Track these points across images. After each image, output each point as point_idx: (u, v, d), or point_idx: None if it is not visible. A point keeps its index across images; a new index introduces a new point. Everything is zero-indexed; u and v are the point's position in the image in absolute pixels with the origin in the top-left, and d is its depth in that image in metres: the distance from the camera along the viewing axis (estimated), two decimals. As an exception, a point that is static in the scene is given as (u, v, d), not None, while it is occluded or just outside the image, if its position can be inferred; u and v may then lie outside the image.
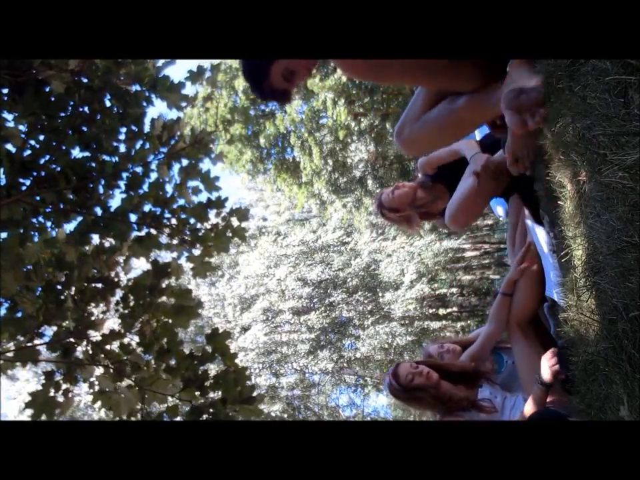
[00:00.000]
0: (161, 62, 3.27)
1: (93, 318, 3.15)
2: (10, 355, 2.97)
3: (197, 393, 3.09)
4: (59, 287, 3.07)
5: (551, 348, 1.89)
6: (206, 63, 3.40)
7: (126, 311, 3.16)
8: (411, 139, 1.73)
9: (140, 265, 3.69)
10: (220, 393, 3.14)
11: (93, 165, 3.22)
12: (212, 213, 3.45)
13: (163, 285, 3.27)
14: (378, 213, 2.50)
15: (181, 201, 3.42)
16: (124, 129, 3.25)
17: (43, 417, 2.97)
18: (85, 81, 3.07)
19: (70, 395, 3.07)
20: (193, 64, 3.42)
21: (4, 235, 3.00)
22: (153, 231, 3.33)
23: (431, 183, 2.34)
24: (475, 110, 1.54)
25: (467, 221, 2.19)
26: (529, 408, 1.78)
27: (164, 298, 3.25)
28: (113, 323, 3.45)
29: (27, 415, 3.09)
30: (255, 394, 3.14)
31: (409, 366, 2.04)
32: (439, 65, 1.48)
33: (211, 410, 3.06)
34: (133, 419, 3.09)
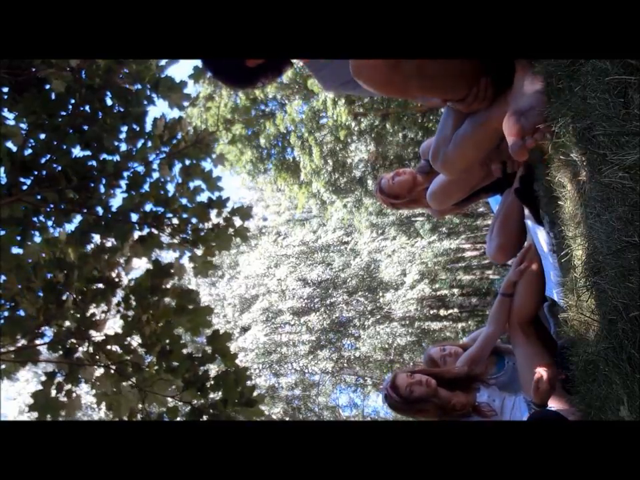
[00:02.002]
0: (163, 61, 3.27)
1: (94, 318, 3.14)
2: (11, 355, 2.97)
3: (198, 394, 3.08)
4: (60, 287, 3.06)
5: (548, 350, 1.90)
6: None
7: (127, 312, 3.16)
8: (447, 159, 1.77)
9: (141, 266, 3.68)
10: (220, 393, 3.13)
11: (94, 164, 3.22)
12: (213, 213, 3.45)
13: (167, 286, 3.26)
14: (378, 198, 2.53)
15: (183, 201, 3.42)
16: (125, 128, 3.26)
17: (48, 418, 2.97)
18: (86, 79, 3.07)
19: (74, 395, 3.07)
20: (196, 63, 3.41)
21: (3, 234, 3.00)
22: (155, 231, 3.33)
23: (429, 168, 2.34)
24: (500, 120, 1.55)
25: (444, 201, 2.17)
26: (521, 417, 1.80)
27: (167, 299, 3.24)
28: (113, 323, 3.44)
29: (27, 416, 3.08)
30: (255, 394, 3.13)
31: (405, 376, 2.01)
32: (448, 74, 1.49)
33: (212, 411, 3.05)
34: (133, 419, 3.08)
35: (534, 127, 1.34)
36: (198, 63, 3.34)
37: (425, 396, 1.97)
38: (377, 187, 2.48)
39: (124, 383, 3.04)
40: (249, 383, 3.18)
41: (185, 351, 3.19)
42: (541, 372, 1.71)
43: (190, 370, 3.07)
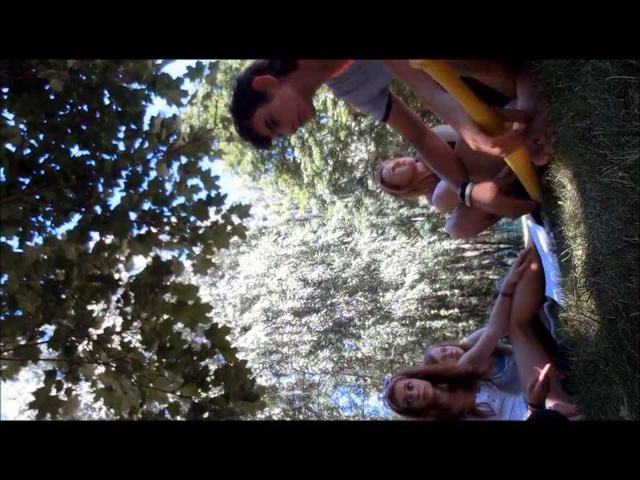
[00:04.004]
0: (160, 59, 3.27)
1: (93, 316, 3.13)
2: (10, 353, 2.97)
3: (199, 390, 3.08)
4: (60, 286, 3.06)
5: (548, 350, 1.90)
6: (204, 61, 3.39)
7: (126, 309, 3.15)
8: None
9: (141, 264, 3.68)
10: (221, 389, 3.12)
11: (92, 163, 3.22)
12: (212, 211, 3.45)
13: (167, 283, 3.24)
14: (379, 187, 2.58)
15: (181, 199, 3.41)
16: (123, 127, 3.24)
17: (48, 417, 2.96)
18: (84, 78, 3.06)
19: (73, 394, 3.06)
20: (191, 61, 3.41)
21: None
22: (153, 229, 3.33)
23: None
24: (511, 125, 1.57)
25: (450, 204, 2.21)
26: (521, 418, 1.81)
27: (166, 296, 3.23)
28: (113, 320, 3.43)
29: (27, 415, 3.08)
30: (255, 387, 3.12)
31: (402, 387, 2.02)
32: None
33: (213, 407, 3.04)
34: (133, 417, 3.08)
35: (541, 130, 1.35)
36: (192, 62, 3.35)
37: (423, 408, 1.99)
38: (377, 176, 2.50)
39: (124, 378, 3.03)
40: (249, 376, 3.16)
41: (184, 346, 3.17)
42: (538, 373, 1.72)
43: (189, 364, 3.06)
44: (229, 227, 3.41)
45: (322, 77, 1.57)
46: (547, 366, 1.71)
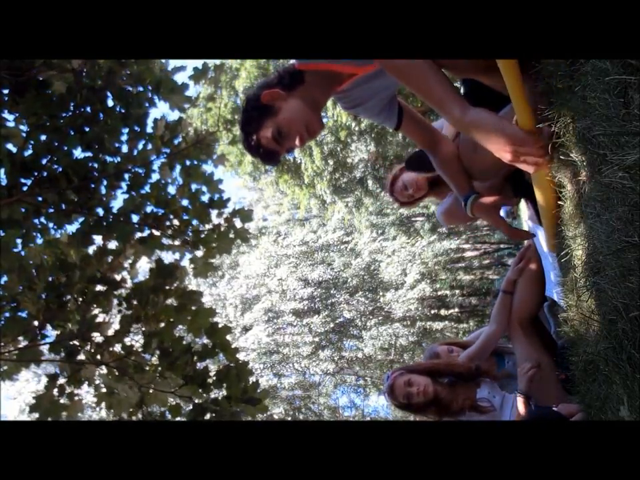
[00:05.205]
0: (171, 67, 3.28)
1: (96, 320, 3.12)
2: (12, 355, 2.96)
3: (200, 391, 3.07)
4: (62, 289, 3.05)
5: (548, 350, 1.91)
6: (209, 63, 3.39)
7: (128, 312, 3.14)
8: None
9: (143, 266, 3.67)
10: (222, 390, 3.12)
11: (95, 165, 3.21)
12: (214, 214, 3.45)
13: (171, 287, 3.23)
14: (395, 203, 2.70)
15: (183, 202, 3.41)
16: (126, 129, 3.24)
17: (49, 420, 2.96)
18: (87, 80, 3.06)
19: (76, 398, 3.05)
20: (196, 63, 3.42)
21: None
22: (155, 232, 3.32)
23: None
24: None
25: (456, 221, 2.31)
26: (516, 412, 1.84)
27: (169, 301, 3.22)
28: (116, 324, 3.43)
29: (28, 417, 3.07)
30: (258, 390, 3.12)
31: (402, 384, 2.03)
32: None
33: (214, 407, 3.04)
34: (133, 418, 3.07)
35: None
36: (198, 64, 3.35)
37: (421, 405, 1.99)
38: (389, 195, 2.61)
39: (126, 380, 3.02)
40: (251, 378, 3.16)
41: (184, 344, 3.16)
42: (527, 364, 1.78)
43: (189, 364, 3.05)
44: (232, 231, 3.40)
45: (328, 90, 1.58)
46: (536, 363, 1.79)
